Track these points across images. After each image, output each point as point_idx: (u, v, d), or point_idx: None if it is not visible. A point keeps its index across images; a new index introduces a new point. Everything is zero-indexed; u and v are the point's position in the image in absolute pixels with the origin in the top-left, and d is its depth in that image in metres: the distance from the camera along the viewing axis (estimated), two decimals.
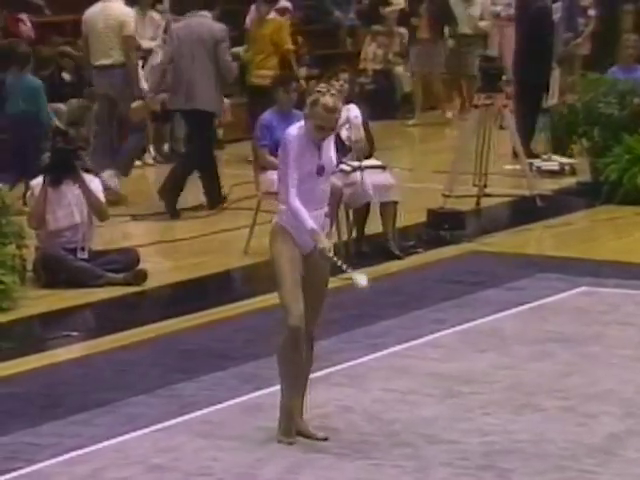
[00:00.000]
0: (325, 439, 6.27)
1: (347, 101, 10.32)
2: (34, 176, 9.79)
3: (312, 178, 6.23)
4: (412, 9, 16.75)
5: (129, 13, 12.75)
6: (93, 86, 12.78)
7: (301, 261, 6.25)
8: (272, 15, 14.41)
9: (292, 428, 6.27)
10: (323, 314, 6.41)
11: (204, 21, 12.05)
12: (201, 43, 11.83)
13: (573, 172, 13.15)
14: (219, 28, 12.04)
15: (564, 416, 6.71)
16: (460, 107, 16.75)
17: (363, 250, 10.28)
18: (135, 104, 12.25)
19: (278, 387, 7.10)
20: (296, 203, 6.15)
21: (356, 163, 10.19)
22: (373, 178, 10.19)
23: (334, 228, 10.28)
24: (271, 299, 8.99)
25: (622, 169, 11.89)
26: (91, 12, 12.48)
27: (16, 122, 11.87)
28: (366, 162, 10.20)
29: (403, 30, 16.85)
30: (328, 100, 6.21)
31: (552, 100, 15.38)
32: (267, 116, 10.43)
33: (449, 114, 16.66)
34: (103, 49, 12.35)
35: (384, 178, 10.28)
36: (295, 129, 6.29)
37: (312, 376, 7.30)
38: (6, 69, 12.24)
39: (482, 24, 16.83)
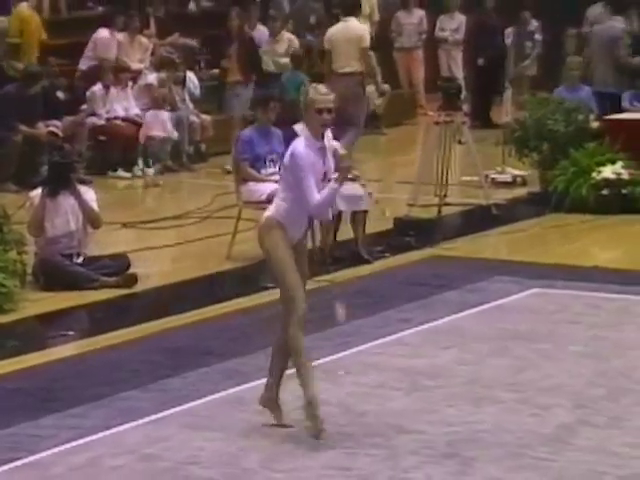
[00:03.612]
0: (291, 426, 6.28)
1: None
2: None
3: (318, 185, 6.17)
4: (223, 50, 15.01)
5: (366, 29, 13.55)
6: None
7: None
8: None
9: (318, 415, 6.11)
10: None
11: None
12: None
13: (524, 183, 13.16)
14: None
15: (520, 408, 6.69)
16: None
17: (335, 255, 10.25)
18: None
19: (259, 381, 7.12)
20: (318, 197, 6.09)
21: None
22: (344, 189, 10.12)
23: (309, 235, 10.32)
24: (251, 301, 9.03)
25: (568, 180, 11.90)
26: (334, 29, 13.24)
27: None
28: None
29: (370, 52, 16.80)
30: (320, 86, 6.31)
31: (505, 117, 15.43)
32: (247, 132, 10.43)
33: None
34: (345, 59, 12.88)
35: (354, 189, 10.25)
36: (300, 145, 6.18)
37: (290, 372, 7.31)
38: None
39: (284, 61, 15.19)
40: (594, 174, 11.83)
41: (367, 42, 13.63)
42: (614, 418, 6.52)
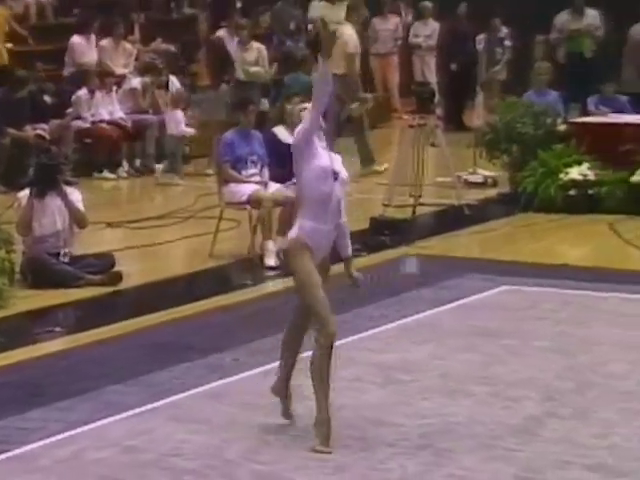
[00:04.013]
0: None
1: (300, 120, 10.34)
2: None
3: (328, 178, 5.84)
4: (188, 56, 15.22)
5: (352, 35, 13.86)
6: None
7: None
8: None
9: (329, 436, 5.90)
10: None
11: None
12: None
13: (495, 184, 13.21)
14: None
15: (490, 400, 6.71)
16: None
17: None
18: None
19: (240, 375, 7.16)
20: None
21: None
22: None
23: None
24: (232, 298, 9.03)
25: (537, 181, 11.96)
26: None
27: None
28: None
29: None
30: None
31: (477, 121, 15.47)
32: (229, 135, 10.42)
33: None
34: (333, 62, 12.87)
35: None
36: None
37: (269, 366, 7.32)
38: None
39: (254, 69, 15.21)
40: (562, 175, 11.89)
41: (351, 48, 13.72)
42: (580, 410, 6.55)
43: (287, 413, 6.29)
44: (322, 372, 5.91)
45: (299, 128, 5.91)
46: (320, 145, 5.93)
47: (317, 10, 17.69)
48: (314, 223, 5.89)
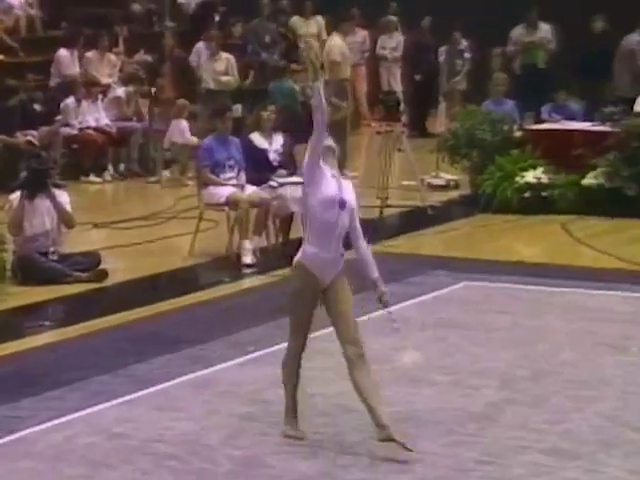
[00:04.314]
0: None
1: (274, 128, 10.37)
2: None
3: (334, 207, 5.55)
4: (156, 69, 14.84)
5: (335, 45, 13.80)
6: None
7: (318, 297, 5.71)
8: None
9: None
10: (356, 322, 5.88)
11: None
12: None
13: (456, 186, 13.24)
14: None
15: (452, 389, 6.72)
16: None
17: (288, 252, 10.23)
18: None
19: (219, 366, 7.16)
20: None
21: (281, 180, 10.19)
22: (296, 192, 10.15)
23: (264, 234, 10.32)
24: (211, 293, 9.01)
25: (495, 184, 11.99)
26: None
27: None
28: (290, 179, 10.20)
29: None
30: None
31: (439, 128, 15.51)
32: (207, 141, 10.42)
33: None
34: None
35: None
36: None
37: (246, 357, 7.32)
38: None
39: (224, 79, 14.99)
40: (518, 178, 11.92)
41: (334, 55, 13.78)
42: (536, 397, 6.57)
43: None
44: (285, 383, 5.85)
45: (305, 158, 5.58)
46: (330, 173, 5.62)
47: (296, 24, 17.74)
48: (316, 250, 5.64)
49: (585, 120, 12.93)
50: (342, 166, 13.84)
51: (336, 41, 15.50)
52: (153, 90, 14.25)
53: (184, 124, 14.02)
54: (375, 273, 5.87)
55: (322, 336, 7.73)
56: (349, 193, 5.67)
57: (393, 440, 5.59)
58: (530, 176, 11.89)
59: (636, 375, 6.92)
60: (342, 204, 5.59)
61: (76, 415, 6.31)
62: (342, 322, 5.72)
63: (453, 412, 6.29)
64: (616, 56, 13.81)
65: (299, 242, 10.20)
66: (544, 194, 11.80)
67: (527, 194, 11.83)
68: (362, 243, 5.78)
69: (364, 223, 11.04)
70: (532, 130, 12.78)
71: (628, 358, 7.26)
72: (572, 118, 13.30)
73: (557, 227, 11.18)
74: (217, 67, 14.95)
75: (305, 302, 5.70)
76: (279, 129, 10.34)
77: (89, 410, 6.38)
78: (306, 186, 5.64)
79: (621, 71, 13.57)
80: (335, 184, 5.63)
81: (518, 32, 16.06)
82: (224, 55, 15.16)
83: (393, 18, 17.81)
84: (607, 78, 14.61)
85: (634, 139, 11.59)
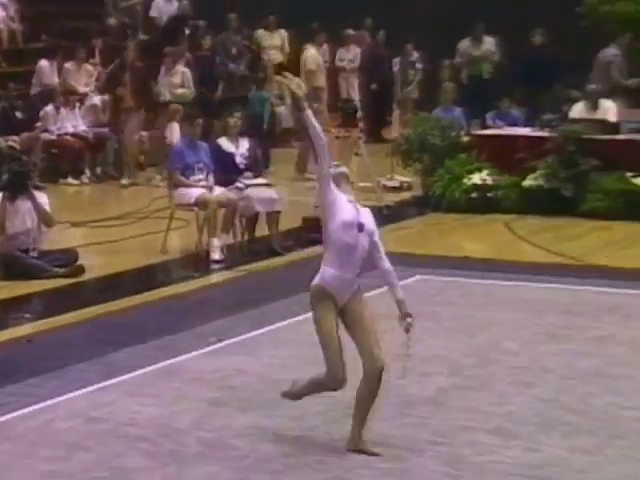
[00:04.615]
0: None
1: (240, 133, 10.36)
2: None
3: (353, 229, 5.37)
4: (116, 79, 14.47)
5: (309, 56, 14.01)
6: None
7: (338, 316, 5.51)
8: None
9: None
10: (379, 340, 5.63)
11: None
12: None
13: (409, 188, 13.25)
14: None
15: (406, 375, 6.71)
16: None
17: (253, 249, 10.23)
18: None
19: (188, 355, 7.10)
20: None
21: (247, 182, 10.16)
22: (261, 193, 10.15)
23: (231, 232, 10.28)
24: (181, 287, 8.96)
25: (444, 185, 12.01)
26: None
27: None
28: (255, 181, 10.19)
29: (278, 77, 16.70)
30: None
31: (393, 133, 15.53)
32: (178, 145, 10.36)
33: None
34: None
35: (269, 193, 10.24)
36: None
37: (213, 347, 7.28)
38: None
39: (180, 91, 14.68)
40: (465, 180, 11.95)
41: (310, 65, 13.77)
42: (482, 383, 6.58)
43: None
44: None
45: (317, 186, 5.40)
46: (345, 198, 5.43)
47: (261, 37, 17.68)
48: (336, 271, 5.44)
49: (526, 126, 12.98)
50: (304, 170, 13.97)
51: (311, 52, 15.67)
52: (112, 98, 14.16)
53: (177, 128, 13.91)
54: (399, 294, 5.68)
55: (286, 327, 7.75)
56: (366, 217, 5.50)
57: (363, 452, 5.48)
58: (476, 178, 11.93)
59: (573, 362, 6.95)
60: (360, 227, 5.42)
61: (54, 401, 6.26)
62: (362, 338, 5.54)
63: (406, 396, 6.29)
64: (593, 67, 13.92)
65: (263, 240, 10.30)
66: (489, 195, 11.83)
67: (474, 195, 11.86)
68: (384, 265, 5.59)
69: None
70: (478, 135, 12.82)
71: (566, 346, 7.29)
72: (514, 124, 13.35)
73: (501, 225, 11.21)
74: (173, 80, 14.83)
75: (330, 328, 5.49)
76: (246, 134, 10.32)
77: (66, 396, 6.33)
78: (326, 212, 5.42)
79: (597, 81, 13.68)
80: (352, 208, 5.44)
81: (465, 45, 16.12)
82: (180, 69, 15.04)
83: (351, 31, 17.81)
84: (546, 87, 14.71)
85: (570, 143, 11.65)
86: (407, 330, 5.67)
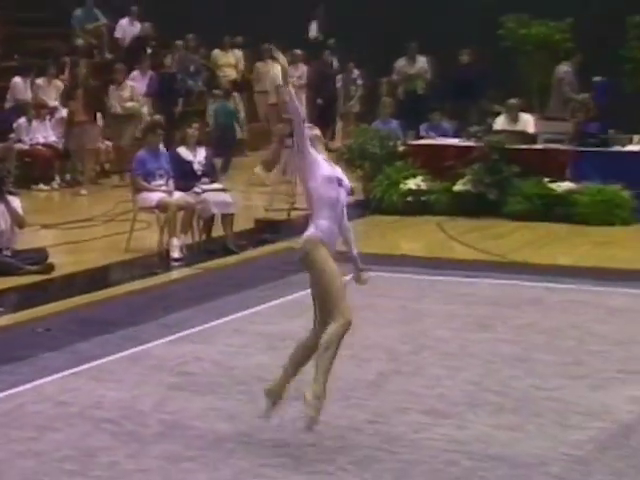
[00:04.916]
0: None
1: (198, 142, 10.32)
2: None
3: (334, 184, 5.22)
4: (69, 94, 14.20)
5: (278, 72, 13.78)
6: None
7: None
8: None
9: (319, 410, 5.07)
10: None
11: None
12: None
13: (352, 193, 13.21)
14: None
15: (349, 361, 6.66)
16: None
17: (210, 248, 10.17)
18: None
19: (150, 344, 7.04)
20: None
21: (204, 187, 10.11)
22: (216, 197, 10.10)
23: (189, 233, 10.21)
24: (144, 283, 8.87)
25: (383, 190, 12.03)
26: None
27: None
28: (212, 186, 10.14)
29: (236, 94, 16.61)
30: None
31: (337, 143, 15.53)
32: (140, 153, 10.27)
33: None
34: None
35: (224, 197, 10.20)
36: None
37: (173, 337, 7.23)
38: None
39: (129, 105, 14.57)
40: (401, 185, 11.98)
41: (278, 80, 13.76)
42: (417, 367, 6.60)
43: (269, 413, 5.43)
44: (332, 346, 5.11)
45: (295, 149, 5.24)
46: (321, 156, 5.29)
47: (217, 56, 17.57)
48: (328, 222, 5.25)
49: (455, 137, 13.07)
50: (266, 168, 13.89)
51: (279, 69, 15.37)
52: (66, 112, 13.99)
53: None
54: (354, 251, 5.53)
55: (239, 318, 7.71)
56: (341, 173, 5.37)
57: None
58: (411, 183, 11.97)
59: (497, 349, 6.99)
60: (339, 182, 5.28)
61: (26, 386, 6.18)
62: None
63: (349, 380, 6.28)
64: (552, 83, 14.06)
65: (219, 239, 10.25)
66: (423, 198, 11.88)
67: (409, 198, 11.90)
68: (346, 221, 5.43)
69: (275, 224, 11.17)
70: (413, 145, 12.87)
71: (491, 334, 7.33)
72: (445, 135, 13.43)
73: (434, 226, 11.26)
74: (123, 95, 14.72)
75: (333, 267, 5.17)
76: (217, 144, 10.28)
77: (37, 382, 6.25)
78: (303, 173, 5.22)
79: (554, 96, 13.81)
80: (328, 166, 5.31)
81: (400, 64, 16.20)
82: (129, 84, 14.92)
83: (298, 51, 17.78)
84: (472, 102, 14.84)
85: (494, 152, 11.76)
86: (365, 283, 5.55)
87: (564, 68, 14.10)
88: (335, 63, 17.13)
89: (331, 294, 5.15)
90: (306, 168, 5.25)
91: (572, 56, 14.24)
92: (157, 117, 13.60)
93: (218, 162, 14.48)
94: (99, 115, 14.30)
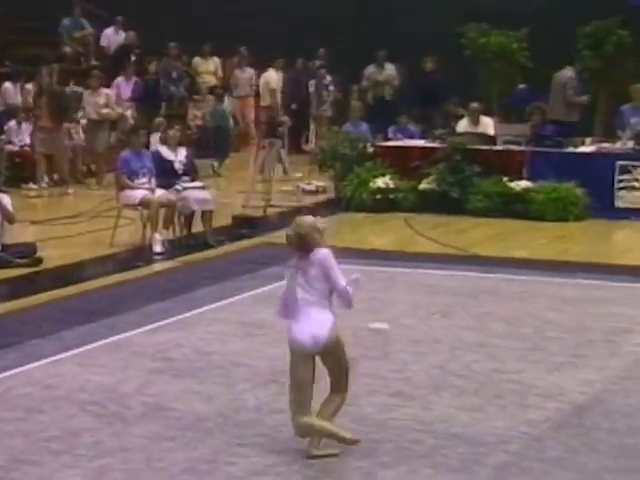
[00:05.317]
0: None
1: (179, 144, 10.29)
2: None
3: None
4: (35, 103, 13.94)
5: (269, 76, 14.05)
6: None
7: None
8: None
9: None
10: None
11: None
12: None
13: (324, 191, 13.23)
14: None
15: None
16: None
17: (190, 242, 10.12)
18: None
19: (132, 332, 6.99)
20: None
21: (185, 184, 10.06)
22: (196, 194, 10.05)
23: (170, 228, 10.15)
24: (127, 275, 8.80)
25: (354, 189, 12.01)
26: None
27: None
28: (192, 184, 10.10)
29: (211, 97, 16.49)
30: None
31: (310, 145, 15.51)
32: (125, 153, 10.21)
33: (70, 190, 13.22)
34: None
35: (204, 194, 10.15)
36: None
37: (154, 325, 7.18)
38: None
39: (105, 111, 14.13)
40: (371, 184, 11.98)
41: (273, 85, 13.69)
42: (384, 353, 6.60)
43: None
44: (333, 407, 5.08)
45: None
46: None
47: (197, 64, 17.47)
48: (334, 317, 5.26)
49: (421, 138, 13.09)
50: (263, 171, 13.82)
51: (272, 74, 15.53)
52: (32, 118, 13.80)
53: (157, 136, 13.63)
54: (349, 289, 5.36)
55: (218, 308, 7.67)
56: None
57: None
58: (380, 182, 11.97)
59: (459, 335, 7.00)
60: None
61: (14, 371, 6.12)
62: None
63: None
64: (551, 87, 14.01)
65: (198, 235, 10.19)
66: (391, 196, 11.88)
67: (378, 196, 11.90)
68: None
69: (252, 220, 11.11)
70: (381, 146, 12.85)
71: (454, 322, 7.34)
72: (411, 137, 13.44)
73: (401, 222, 11.27)
74: (98, 101, 14.36)
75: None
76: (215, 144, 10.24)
77: (25, 367, 6.19)
78: (336, 273, 5.28)
79: (556, 99, 13.72)
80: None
81: (370, 71, 16.20)
82: (104, 91, 14.59)
83: (279, 60, 17.72)
84: (437, 106, 14.87)
85: (457, 153, 11.79)
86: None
87: (568, 73, 13.98)
88: (309, 65, 17.04)
89: (346, 372, 5.19)
90: (335, 269, 5.30)
91: (574, 62, 14.11)
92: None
93: (211, 162, 14.59)
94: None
